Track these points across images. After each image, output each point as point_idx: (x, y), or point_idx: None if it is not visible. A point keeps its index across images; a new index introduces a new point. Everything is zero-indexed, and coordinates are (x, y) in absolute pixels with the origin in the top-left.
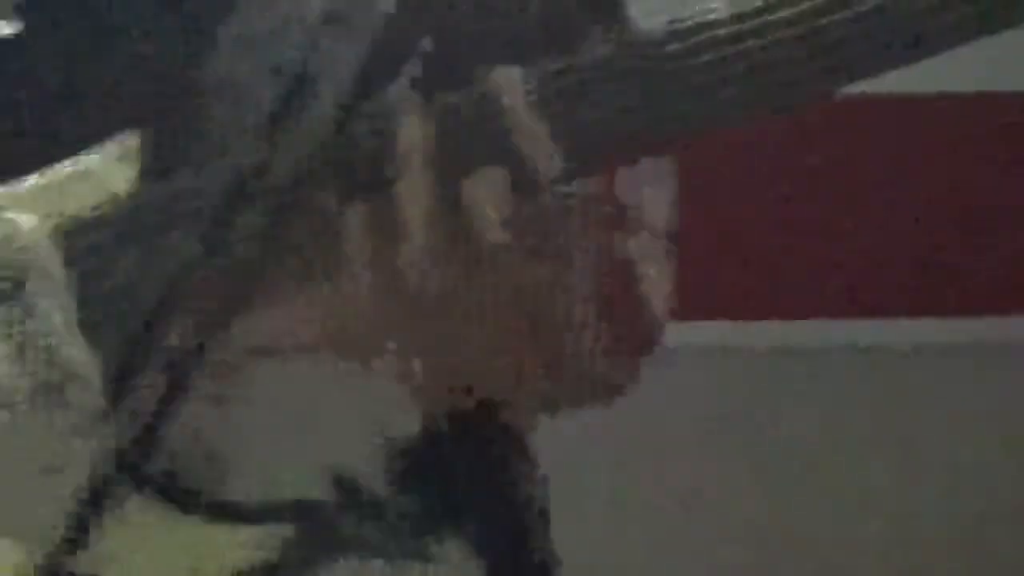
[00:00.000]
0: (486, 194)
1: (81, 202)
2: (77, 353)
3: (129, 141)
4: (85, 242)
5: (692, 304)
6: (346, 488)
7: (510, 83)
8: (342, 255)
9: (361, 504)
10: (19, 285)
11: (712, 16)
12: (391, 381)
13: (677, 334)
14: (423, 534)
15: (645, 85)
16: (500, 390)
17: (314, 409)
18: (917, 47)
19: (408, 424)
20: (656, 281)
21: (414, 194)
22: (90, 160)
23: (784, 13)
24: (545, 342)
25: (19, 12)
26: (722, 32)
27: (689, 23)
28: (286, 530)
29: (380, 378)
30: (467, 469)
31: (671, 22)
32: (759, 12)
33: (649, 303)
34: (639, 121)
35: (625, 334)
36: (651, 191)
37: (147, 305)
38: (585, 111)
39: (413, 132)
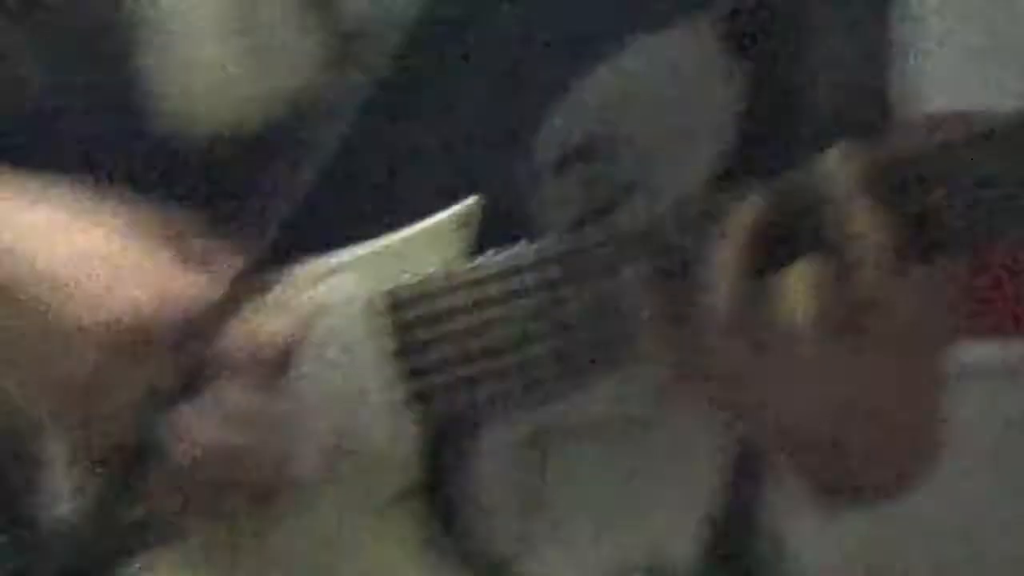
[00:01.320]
0: (805, 284)
1: (416, 270)
2: (389, 429)
3: (469, 208)
4: (415, 312)
5: None
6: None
7: (843, 168)
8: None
9: None
10: (347, 348)
11: None
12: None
13: None
14: None
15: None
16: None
17: (631, 487)
18: None
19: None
20: None
21: (726, 275)
22: (428, 227)
23: None
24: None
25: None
26: None
27: None
28: None
29: (697, 454)
30: None
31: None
32: None
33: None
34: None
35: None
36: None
37: (482, 377)
38: (933, 197)
39: (745, 214)
